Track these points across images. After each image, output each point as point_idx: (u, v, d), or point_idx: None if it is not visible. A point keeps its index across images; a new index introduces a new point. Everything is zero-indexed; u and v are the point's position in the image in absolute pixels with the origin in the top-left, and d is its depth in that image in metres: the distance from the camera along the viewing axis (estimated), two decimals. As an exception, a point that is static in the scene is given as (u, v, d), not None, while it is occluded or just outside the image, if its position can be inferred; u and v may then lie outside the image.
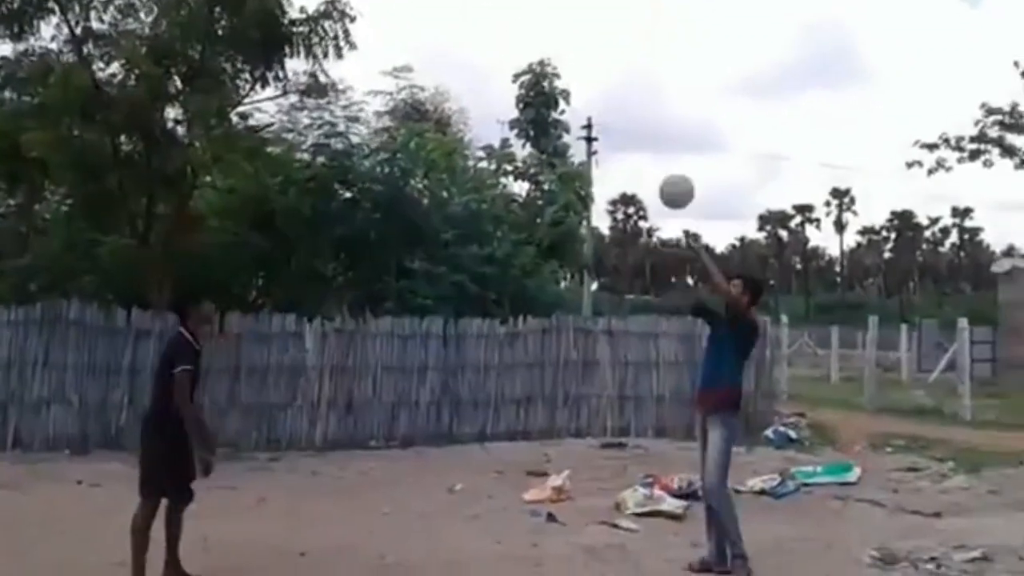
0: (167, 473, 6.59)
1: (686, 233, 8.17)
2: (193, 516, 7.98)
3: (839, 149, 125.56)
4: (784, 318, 28.06)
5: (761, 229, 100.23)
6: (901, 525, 9.22)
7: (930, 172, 32.31)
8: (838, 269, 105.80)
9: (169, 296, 13.40)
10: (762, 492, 10.65)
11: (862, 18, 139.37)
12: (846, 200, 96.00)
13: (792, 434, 15.06)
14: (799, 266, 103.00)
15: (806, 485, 11.14)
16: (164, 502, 6.70)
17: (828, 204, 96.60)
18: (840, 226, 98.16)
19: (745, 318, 7.38)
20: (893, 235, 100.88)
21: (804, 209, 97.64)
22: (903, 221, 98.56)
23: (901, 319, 34.67)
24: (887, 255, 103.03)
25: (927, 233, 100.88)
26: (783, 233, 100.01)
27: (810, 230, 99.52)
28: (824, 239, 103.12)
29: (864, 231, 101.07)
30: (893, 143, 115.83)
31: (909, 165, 32.54)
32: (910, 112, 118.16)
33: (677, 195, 7.65)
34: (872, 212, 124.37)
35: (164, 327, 13.52)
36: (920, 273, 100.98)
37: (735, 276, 7.61)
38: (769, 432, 14.91)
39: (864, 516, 9.76)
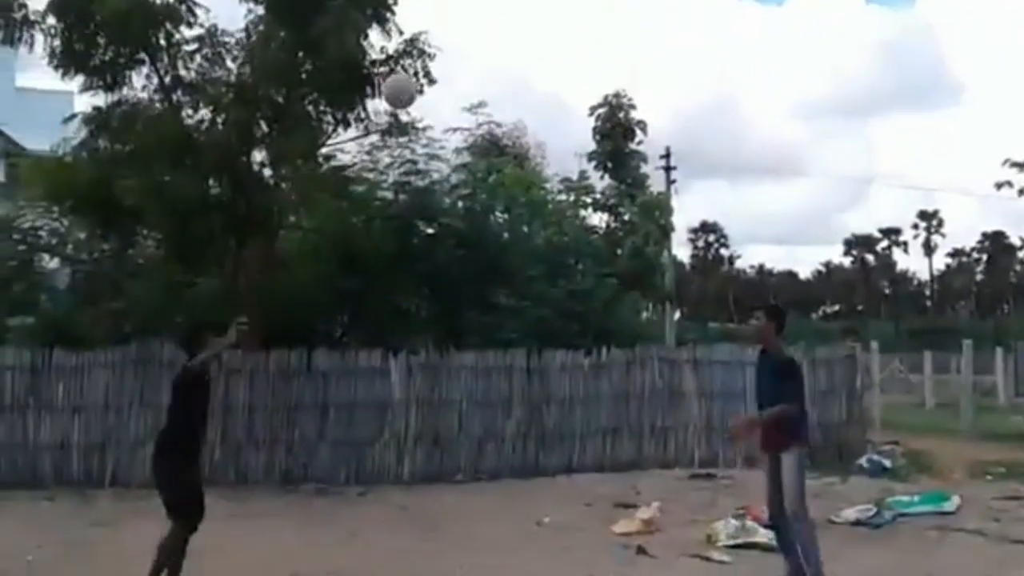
0: (191, 494, 6.98)
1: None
2: (286, 550, 8.09)
3: (926, 171, 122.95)
4: (874, 344, 27.43)
5: (847, 254, 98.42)
6: (1004, 555, 8.95)
7: (1021, 192, 31.48)
8: (928, 293, 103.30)
9: (260, 334, 13.72)
10: (858, 523, 10.39)
11: (946, 36, 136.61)
12: (934, 223, 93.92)
13: (887, 463, 14.66)
14: (887, 291, 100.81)
15: (903, 515, 10.84)
16: None
17: (916, 227, 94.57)
18: (929, 249, 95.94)
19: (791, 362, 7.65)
20: (984, 257, 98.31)
21: (891, 232, 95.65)
22: (994, 242, 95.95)
23: (996, 342, 33.59)
24: (979, 277, 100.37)
25: (1020, 254, 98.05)
26: (870, 257, 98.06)
27: (897, 254, 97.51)
28: (913, 262, 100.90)
29: (954, 253, 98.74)
30: (983, 163, 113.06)
31: (999, 186, 31.87)
32: (1000, 131, 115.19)
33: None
34: (962, 234, 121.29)
35: (254, 366, 13.88)
36: (1014, 295, 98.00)
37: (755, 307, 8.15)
38: (863, 461, 14.55)
39: (965, 546, 9.49)
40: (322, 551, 9.25)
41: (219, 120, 13.86)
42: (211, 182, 14.27)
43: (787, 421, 7.36)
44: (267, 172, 14.68)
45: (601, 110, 27.49)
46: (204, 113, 14.14)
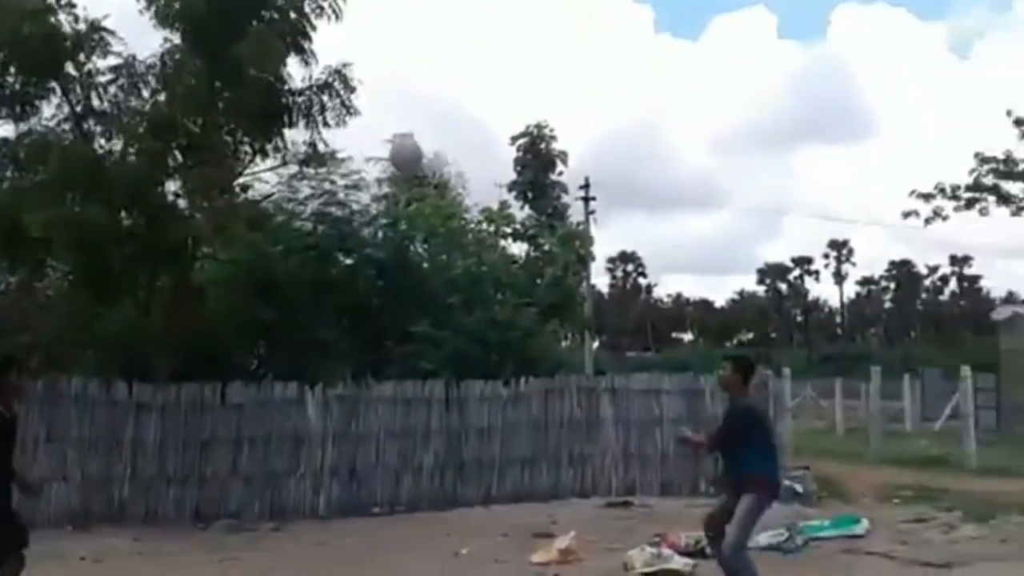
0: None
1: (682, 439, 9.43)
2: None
3: (838, 201, 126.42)
4: (786, 371, 27.97)
5: (761, 282, 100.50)
6: (911, 577, 9.17)
7: (927, 222, 32.56)
8: (839, 320, 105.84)
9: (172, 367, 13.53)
10: (770, 548, 10.56)
11: (857, 72, 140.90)
12: (844, 251, 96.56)
13: (798, 488, 14.90)
14: (800, 318, 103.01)
15: (814, 539, 11.06)
16: None
17: (827, 256, 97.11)
18: (839, 277, 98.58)
19: (737, 411, 7.79)
20: (893, 285, 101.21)
21: (803, 261, 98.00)
22: (902, 271, 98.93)
23: (904, 368, 34.52)
24: (887, 305, 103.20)
25: (927, 282, 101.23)
26: (783, 286, 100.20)
27: (809, 282, 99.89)
28: (824, 291, 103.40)
29: (864, 281, 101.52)
30: (891, 194, 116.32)
31: (906, 215, 32.85)
32: (908, 163, 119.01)
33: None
34: (871, 262, 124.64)
35: (167, 399, 13.62)
36: (921, 322, 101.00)
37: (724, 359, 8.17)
38: (775, 487, 14.79)
39: (874, 570, 9.72)
40: (235, 588, 9.11)
41: (132, 150, 13.67)
42: (123, 213, 14.04)
43: (754, 467, 7.56)
44: (182, 203, 14.49)
45: (522, 140, 27.77)
46: (117, 143, 13.93)
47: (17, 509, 6.94)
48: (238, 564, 10.31)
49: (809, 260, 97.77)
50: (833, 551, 10.60)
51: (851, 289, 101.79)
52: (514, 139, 28.07)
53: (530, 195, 27.18)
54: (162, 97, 13.94)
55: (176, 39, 13.94)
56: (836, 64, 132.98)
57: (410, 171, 11.42)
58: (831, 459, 20.02)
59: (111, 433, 13.40)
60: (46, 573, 9.85)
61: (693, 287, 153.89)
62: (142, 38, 14.12)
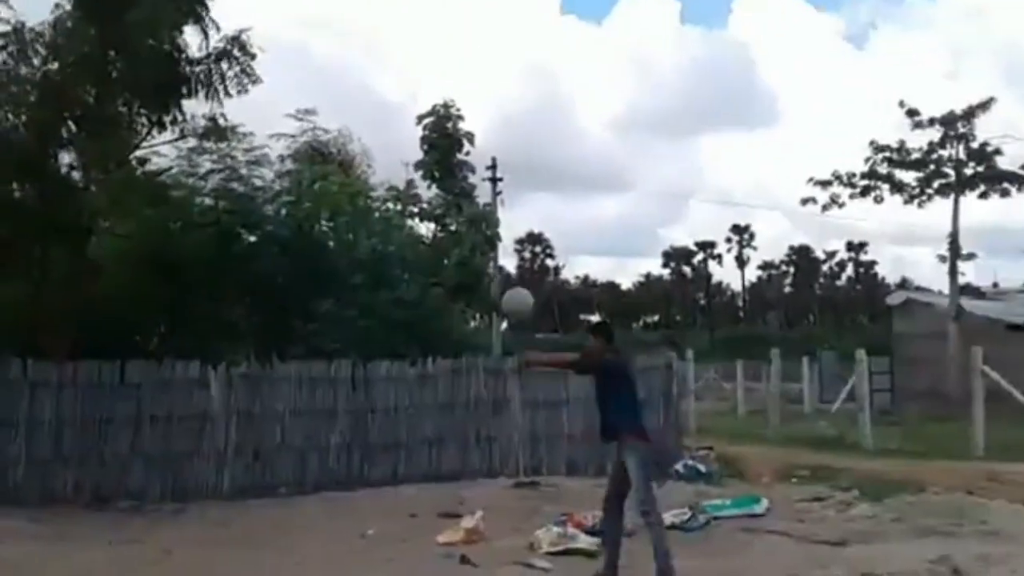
0: None
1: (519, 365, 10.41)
2: (91, 571, 7.69)
3: (739, 187, 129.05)
4: (690, 353, 28.46)
5: (666, 265, 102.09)
6: (809, 555, 9.34)
7: (824, 208, 33.23)
8: (741, 304, 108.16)
9: (67, 345, 13.09)
10: (673, 526, 10.70)
11: (759, 60, 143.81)
12: (746, 236, 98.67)
13: (701, 468, 15.20)
14: (703, 302, 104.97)
15: (716, 518, 11.24)
16: None
17: (729, 240, 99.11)
18: (741, 262, 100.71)
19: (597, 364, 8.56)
20: (792, 270, 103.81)
21: (706, 245, 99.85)
22: (801, 256, 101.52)
23: (803, 351, 35.38)
24: (787, 289, 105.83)
25: (824, 267, 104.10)
26: (687, 269, 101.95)
27: (712, 266, 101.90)
28: (726, 274, 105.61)
29: (765, 266, 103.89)
30: (792, 180, 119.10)
31: (804, 202, 33.46)
32: (807, 150, 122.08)
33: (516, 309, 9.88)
34: (772, 247, 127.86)
35: (63, 377, 13.17)
36: (819, 306, 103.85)
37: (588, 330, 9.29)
38: (679, 466, 15.03)
39: (772, 547, 9.86)
40: (132, 571, 8.85)
41: (21, 120, 13.16)
42: (14, 184, 13.53)
43: (624, 416, 8.25)
44: (77, 175, 14.00)
45: (428, 119, 27.46)
46: (6, 112, 13.39)
47: None
48: (138, 546, 10.03)
49: (712, 244, 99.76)
50: (733, 529, 10.77)
51: (752, 273, 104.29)
52: (420, 118, 27.70)
53: (437, 175, 26.87)
54: (53, 66, 13.43)
55: (67, 5, 13.44)
56: (738, 52, 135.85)
57: (521, 318, 11.56)
58: (733, 440, 20.44)
59: (5, 412, 12.93)
60: None
61: (600, 270, 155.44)
62: (32, 4, 13.61)
